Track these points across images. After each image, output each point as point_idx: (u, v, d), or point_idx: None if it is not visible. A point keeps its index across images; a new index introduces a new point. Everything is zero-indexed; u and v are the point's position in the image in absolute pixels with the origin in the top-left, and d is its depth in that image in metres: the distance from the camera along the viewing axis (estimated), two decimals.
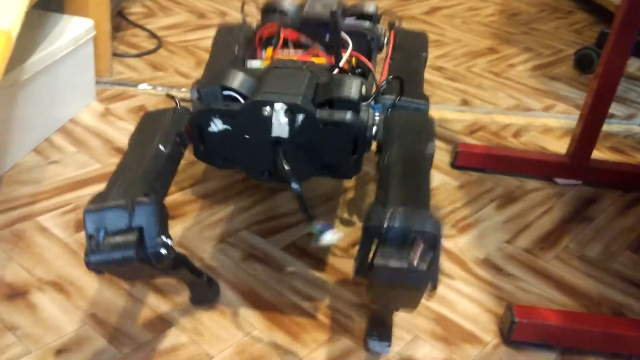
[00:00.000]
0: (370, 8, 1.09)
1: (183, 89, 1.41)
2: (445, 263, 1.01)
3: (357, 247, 0.67)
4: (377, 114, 0.85)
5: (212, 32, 1.70)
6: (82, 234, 0.95)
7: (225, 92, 0.82)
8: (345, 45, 0.96)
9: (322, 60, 0.97)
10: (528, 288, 0.99)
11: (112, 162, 1.13)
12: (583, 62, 1.81)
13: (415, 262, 0.64)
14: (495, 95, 1.61)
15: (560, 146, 1.41)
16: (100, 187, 1.05)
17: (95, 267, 0.67)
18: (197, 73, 1.50)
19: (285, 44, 1.01)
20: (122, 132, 1.22)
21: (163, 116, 0.82)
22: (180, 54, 1.58)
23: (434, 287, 0.66)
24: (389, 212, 0.66)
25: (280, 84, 0.82)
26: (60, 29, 1.19)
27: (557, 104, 1.61)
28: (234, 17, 1.84)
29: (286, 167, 0.79)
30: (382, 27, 1.10)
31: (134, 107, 1.32)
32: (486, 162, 1.27)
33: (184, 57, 1.57)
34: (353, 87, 0.82)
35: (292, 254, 0.98)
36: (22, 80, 1.04)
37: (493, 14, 2.19)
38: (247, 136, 0.81)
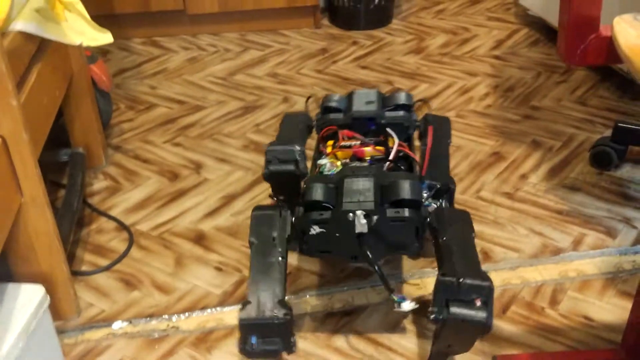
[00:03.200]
0: (404, 99, 1.29)
1: (164, 319, 1.18)
2: None
3: None
4: (430, 206, 1.10)
5: (188, 203, 1.49)
6: None
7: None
8: (392, 138, 1.21)
9: (371, 151, 1.22)
10: None
11: None
12: (600, 160, 1.56)
13: (476, 309, 0.90)
14: (516, 233, 1.37)
15: (605, 309, 1.17)
16: None
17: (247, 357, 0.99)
18: (177, 282, 1.26)
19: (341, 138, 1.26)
20: None
21: (273, 219, 1.07)
22: (156, 252, 1.33)
23: (489, 329, 0.91)
24: (457, 279, 0.91)
25: (356, 193, 1.04)
26: (7, 316, 0.95)
27: (586, 233, 1.36)
28: (210, 168, 1.58)
29: (369, 254, 1.02)
30: (414, 113, 1.30)
31: None
32: None
33: (160, 256, 1.32)
34: (410, 189, 1.04)
35: None
36: None
37: (487, 93, 1.93)
38: (337, 234, 1.04)
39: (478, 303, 0.90)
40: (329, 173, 1.16)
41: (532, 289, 1.22)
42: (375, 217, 1.01)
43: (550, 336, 1.12)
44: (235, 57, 2.17)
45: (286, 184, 1.15)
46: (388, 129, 1.22)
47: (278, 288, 0.99)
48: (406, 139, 1.25)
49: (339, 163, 1.19)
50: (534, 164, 1.59)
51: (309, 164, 1.21)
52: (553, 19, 2.20)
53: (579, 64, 1.05)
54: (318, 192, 1.05)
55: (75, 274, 1.26)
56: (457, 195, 1.49)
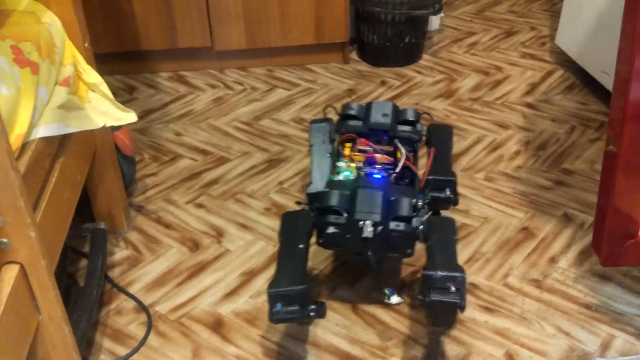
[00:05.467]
0: (412, 116, 1.48)
1: None
2: None
3: None
4: (423, 218, 1.27)
5: (208, 280, 1.45)
6: None
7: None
8: (401, 151, 1.41)
9: (382, 159, 1.42)
10: None
11: None
12: None
13: (452, 294, 1.13)
14: (542, 332, 1.31)
15: None
16: None
17: (275, 322, 1.19)
18: None
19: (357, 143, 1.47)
20: None
21: (298, 217, 1.31)
22: (173, 341, 1.29)
23: (463, 310, 1.15)
24: (436, 272, 1.16)
25: (366, 205, 1.25)
26: None
27: (615, 335, 1.30)
28: (231, 237, 1.54)
29: (370, 255, 1.26)
30: (421, 125, 1.50)
31: None
32: None
33: (178, 345, 1.28)
34: (408, 207, 1.26)
35: None
36: None
37: (518, 151, 1.86)
38: (347, 235, 1.25)
39: (452, 289, 1.13)
40: (345, 173, 1.38)
41: None
42: (380, 227, 1.23)
43: None
44: (262, 97, 2.12)
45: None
46: (398, 143, 1.43)
47: (298, 269, 1.20)
48: (412, 150, 1.45)
49: (353, 165, 1.41)
50: (564, 244, 1.53)
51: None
52: (590, 66, 2.12)
53: (614, 265, 1.01)
54: (337, 199, 1.26)
55: None
56: (483, 281, 1.44)
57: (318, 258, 1.48)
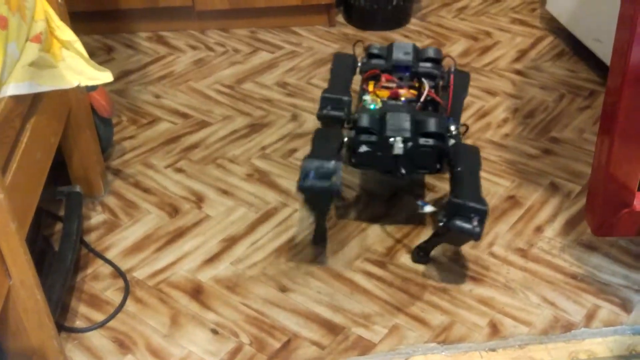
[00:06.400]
0: (435, 54, 1.56)
1: None
2: None
3: None
4: (451, 141, 1.36)
5: (187, 246, 1.43)
6: None
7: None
8: (424, 85, 1.47)
9: (406, 93, 1.46)
10: None
11: None
12: None
13: (473, 226, 1.22)
14: (527, 302, 1.31)
15: None
16: None
17: (303, 190, 1.24)
18: (172, 346, 1.21)
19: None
20: None
21: (329, 132, 1.39)
22: (151, 307, 1.28)
23: (479, 239, 1.25)
24: (463, 200, 1.23)
25: (396, 124, 1.32)
26: None
27: (600, 305, 1.30)
28: (212, 202, 1.51)
29: (402, 171, 1.35)
30: (443, 66, 1.56)
31: None
32: None
33: (156, 311, 1.27)
34: (437, 125, 1.33)
35: None
36: None
37: (506, 119, 1.84)
38: (379, 153, 1.34)
39: (475, 222, 1.21)
40: (371, 107, 1.41)
41: None
42: (410, 144, 1.31)
43: None
44: (244, 60, 2.07)
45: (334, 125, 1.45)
46: (422, 77, 1.48)
47: (334, 152, 1.28)
48: (434, 86, 1.49)
49: (378, 100, 1.44)
50: (551, 214, 1.52)
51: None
52: (581, 33, 2.09)
53: (606, 235, 0.99)
54: (368, 121, 1.34)
55: (68, 330, 1.22)
56: (468, 250, 1.43)
57: (302, 225, 1.47)
